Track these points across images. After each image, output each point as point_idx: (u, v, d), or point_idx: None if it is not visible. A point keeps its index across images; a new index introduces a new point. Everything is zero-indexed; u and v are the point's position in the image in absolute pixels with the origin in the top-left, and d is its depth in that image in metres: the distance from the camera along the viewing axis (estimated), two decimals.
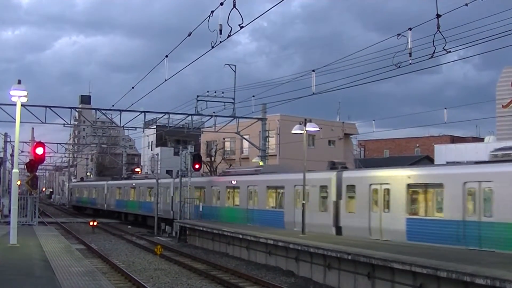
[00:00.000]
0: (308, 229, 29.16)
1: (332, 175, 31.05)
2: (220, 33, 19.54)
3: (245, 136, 50.63)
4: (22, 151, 65.01)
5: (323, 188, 31.67)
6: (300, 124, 29.84)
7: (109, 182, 74.53)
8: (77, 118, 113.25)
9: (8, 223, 29.85)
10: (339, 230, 30.04)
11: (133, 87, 40.50)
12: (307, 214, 29.69)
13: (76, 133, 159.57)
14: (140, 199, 59.13)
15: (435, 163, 47.46)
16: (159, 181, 52.40)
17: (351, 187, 29.67)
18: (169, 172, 68.15)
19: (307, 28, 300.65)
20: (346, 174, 30.70)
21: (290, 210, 33.97)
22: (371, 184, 28.06)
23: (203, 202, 44.71)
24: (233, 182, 40.91)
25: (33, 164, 37.35)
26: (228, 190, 41.87)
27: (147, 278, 23.89)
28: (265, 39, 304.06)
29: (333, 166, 33.27)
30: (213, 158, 66.58)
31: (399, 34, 22.62)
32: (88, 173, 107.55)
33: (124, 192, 65.69)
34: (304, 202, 29.79)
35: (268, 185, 37.10)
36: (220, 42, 20.14)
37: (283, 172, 37.78)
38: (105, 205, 72.65)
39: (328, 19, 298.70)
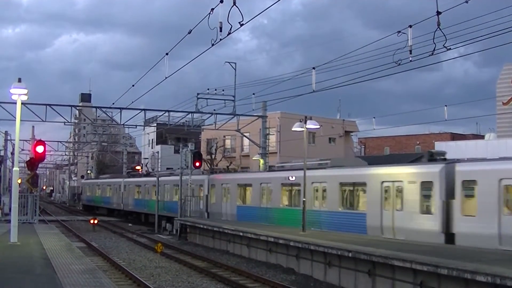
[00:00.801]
0: (405, 235, 25.61)
1: (438, 168, 25.29)
2: (220, 31, 19.55)
3: (245, 134, 50.64)
4: (23, 149, 64.98)
5: (426, 184, 25.74)
6: (301, 121, 29.86)
7: (126, 179, 68.28)
8: (78, 116, 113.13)
9: (9, 221, 29.85)
10: (450, 238, 24.11)
11: (133, 85, 40.49)
12: (402, 217, 26.04)
13: (77, 131, 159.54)
14: (164, 198, 53.00)
15: None
16: (188, 178, 46.05)
17: (469, 183, 23.77)
18: (169, 169, 68.08)
19: (307, 26, 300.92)
20: (461, 166, 24.54)
21: (375, 212, 27.75)
22: (501, 179, 22.32)
23: (243, 202, 40.39)
24: (290, 178, 34.77)
25: (34, 163, 37.38)
26: (284, 188, 36.01)
27: (148, 276, 23.90)
28: (266, 37, 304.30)
29: (431, 157, 27.93)
30: (213, 156, 66.59)
31: (399, 32, 22.62)
32: (88, 171, 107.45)
33: (145, 190, 59.60)
34: (303, 199, 29.75)
35: (342, 182, 30.93)
36: (220, 39, 20.17)
37: (358, 165, 32.44)
38: (122, 205, 66.73)
39: (329, 17, 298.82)
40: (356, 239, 24.89)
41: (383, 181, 27.62)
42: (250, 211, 37.77)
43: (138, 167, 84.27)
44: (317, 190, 32.69)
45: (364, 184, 29.41)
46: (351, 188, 30.67)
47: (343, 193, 31.28)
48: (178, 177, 47.04)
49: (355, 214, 29.83)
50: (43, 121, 42.08)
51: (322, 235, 27.20)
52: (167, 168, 67.73)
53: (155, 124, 73.81)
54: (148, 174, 63.18)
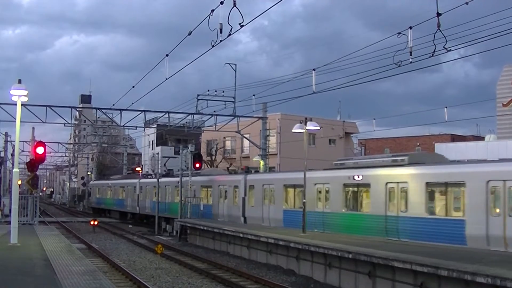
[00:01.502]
0: None
1: None
2: (221, 32, 19.58)
3: (245, 135, 50.65)
4: (23, 151, 65.10)
5: None
6: (301, 123, 29.87)
7: (143, 180, 61.86)
8: (78, 117, 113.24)
9: (9, 222, 29.84)
10: None
11: (133, 86, 40.59)
12: None
13: (77, 133, 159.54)
14: (194, 201, 46.97)
15: None
16: (223, 178, 44.14)
17: None
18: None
19: (308, 27, 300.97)
20: None
21: (478, 219, 22.68)
22: None
23: (291, 205, 35.14)
24: (356, 177, 29.67)
25: (34, 164, 37.34)
26: (347, 188, 30.62)
27: (148, 277, 23.89)
28: (266, 38, 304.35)
29: None
30: (213, 157, 66.61)
31: (399, 33, 22.66)
32: (88, 173, 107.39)
33: (165, 192, 53.06)
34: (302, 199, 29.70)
35: (429, 181, 25.48)
36: (221, 41, 20.20)
37: (445, 162, 27.99)
38: (138, 208, 60.20)
39: (329, 18, 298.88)
40: (356, 241, 24.88)
41: (489, 180, 22.50)
42: (301, 216, 30.76)
43: (138, 168, 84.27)
44: (391, 192, 27.08)
45: (461, 184, 24.03)
46: (442, 189, 25.31)
47: (430, 195, 25.77)
48: (202, 178, 45.39)
49: (449, 221, 24.32)
50: (43, 122, 42.19)
51: (322, 236, 27.20)
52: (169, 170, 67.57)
53: (155, 126, 73.95)
54: (167, 174, 57.01)
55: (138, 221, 60.06)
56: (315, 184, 32.04)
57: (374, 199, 28.07)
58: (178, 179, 46.71)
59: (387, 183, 27.31)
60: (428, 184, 25.49)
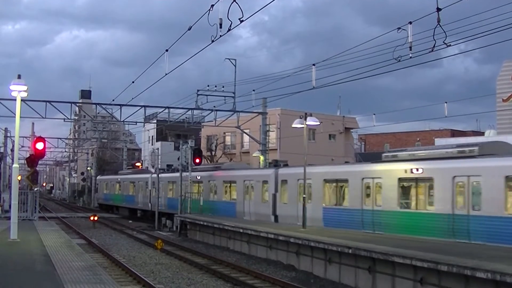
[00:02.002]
0: None
1: None
2: (220, 27, 19.55)
3: (245, 130, 50.62)
4: (23, 146, 65.11)
5: None
6: (301, 118, 29.83)
7: (155, 175, 55.55)
8: (78, 113, 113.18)
9: (9, 218, 29.85)
10: None
11: (133, 82, 40.60)
12: None
13: (77, 128, 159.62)
14: (222, 197, 43.25)
15: None
16: (249, 172, 40.96)
17: None
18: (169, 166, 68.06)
19: (308, 22, 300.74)
20: None
21: None
22: None
23: (333, 202, 31.62)
24: (415, 171, 26.21)
25: (34, 159, 37.36)
26: (403, 183, 27.09)
27: (148, 273, 23.90)
28: (266, 33, 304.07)
29: None
30: (213, 153, 66.60)
31: (399, 28, 22.61)
32: (88, 168, 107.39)
33: (184, 188, 47.07)
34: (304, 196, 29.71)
35: (509, 175, 22.09)
36: (220, 36, 20.17)
37: None
38: (150, 205, 55.18)
39: (330, 13, 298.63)
40: (356, 236, 24.89)
41: None
42: (345, 214, 28.77)
43: (138, 164, 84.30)
44: (460, 187, 24.04)
45: None
46: None
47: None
48: (224, 172, 42.92)
49: None
50: (43, 117, 42.17)
51: (322, 232, 27.21)
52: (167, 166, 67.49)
53: (155, 121, 73.93)
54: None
55: (150, 219, 54.34)
56: (363, 178, 28.67)
57: (438, 196, 24.95)
58: (199, 174, 44.77)
59: (454, 176, 24.13)
60: (508, 178, 22.15)
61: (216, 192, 43.79)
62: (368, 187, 28.58)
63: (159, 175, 51.33)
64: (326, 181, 32.18)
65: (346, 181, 29.92)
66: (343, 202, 30.69)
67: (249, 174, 39.85)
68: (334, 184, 31.75)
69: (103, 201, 78.72)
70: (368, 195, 28.49)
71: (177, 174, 47.10)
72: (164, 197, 51.95)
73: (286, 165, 39.95)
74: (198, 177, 45.71)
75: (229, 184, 42.59)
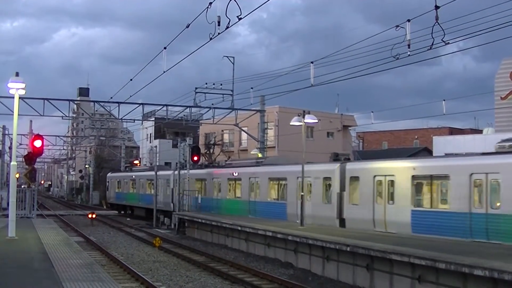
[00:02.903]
0: None
1: None
2: (219, 25, 19.52)
3: (243, 128, 50.64)
4: (21, 144, 64.97)
5: None
6: (299, 116, 29.84)
7: (182, 171, 48.56)
8: (76, 110, 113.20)
9: (7, 216, 29.83)
10: None
11: (131, 79, 40.44)
12: None
13: (75, 126, 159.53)
14: (267, 197, 37.25)
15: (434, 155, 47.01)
16: (305, 168, 32.03)
17: None
18: (167, 163, 68.04)
19: (307, 20, 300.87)
20: None
21: None
22: None
23: (425, 204, 25.78)
24: None
25: (32, 157, 37.27)
26: None
27: (146, 270, 23.90)
28: (265, 31, 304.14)
29: None
30: (211, 150, 66.60)
31: (397, 26, 22.61)
32: (86, 166, 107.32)
33: (217, 186, 43.47)
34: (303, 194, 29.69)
35: None
36: (219, 33, 20.13)
37: None
38: (172, 205, 49.08)
39: (328, 11, 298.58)
40: (354, 234, 24.90)
41: None
42: (445, 219, 24.04)
43: (136, 162, 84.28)
44: None
45: None
46: None
47: None
48: (269, 168, 37.55)
49: None
50: (41, 115, 42.15)
51: (320, 229, 27.22)
52: (165, 163, 67.46)
53: (153, 119, 73.92)
54: (209, 165, 50.11)
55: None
56: (471, 174, 23.07)
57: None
58: (230, 170, 41.09)
59: None
60: None
61: (259, 191, 37.90)
62: (478, 185, 22.97)
63: (184, 172, 45.81)
64: (415, 178, 26.26)
65: (446, 177, 24.61)
66: (441, 204, 25.24)
67: (305, 170, 31.44)
68: (427, 181, 26.06)
69: (115, 200, 71.39)
70: (480, 193, 22.98)
71: (209, 171, 44.00)
72: (192, 196, 45.91)
73: (347, 159, 33.51)
74: (235, 174, 40.66)
75: (277, 182, 36.59)
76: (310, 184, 32.38)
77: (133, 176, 64.18)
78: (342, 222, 29.96)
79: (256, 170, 38.55)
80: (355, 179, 29.64)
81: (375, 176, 27.89)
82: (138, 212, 60.29)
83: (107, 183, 76.86)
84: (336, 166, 31.14)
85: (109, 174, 77.17)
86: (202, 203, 44.00)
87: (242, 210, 38.52)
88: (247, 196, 38.59)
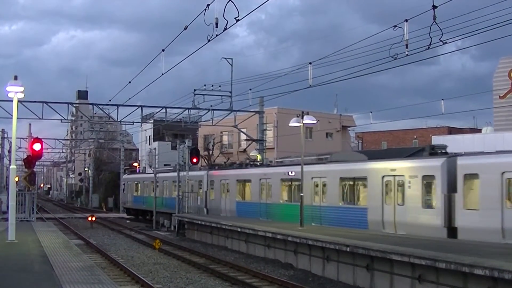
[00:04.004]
0: None
1: None
2: (216, 27, 19.56)
3: (242, 129, 50.65)
4: (20, 147, 65.02)
5: None
6: (298, 116, 29.85)
7: (215, 172, 45.16)
8: (74, 113, 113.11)
9: (6, 219, 29.82)
10: None
11: (129, 82, 40.56)
12: None
13: (74, 129, 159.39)
14: (338, 201, 30.64)
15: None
16: (392, 164, 26.11)
17: None
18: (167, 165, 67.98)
19: (305, 21, 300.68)
20: None
21: None
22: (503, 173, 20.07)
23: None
24: None
25: (31, 160, 37.26)
26: None
27: (146, 272, 23.89)
28: (263, 32, 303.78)
29: None
30: (211, 152, 66.60)
31: (395, 26, 22.63)
32: (86, 169, 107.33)
33: (266, 188, 37.11)
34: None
35: None
36: (216, 35, 20.18)
37: None
38: (205, 210, 44.47)
39: (327, 11, 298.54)
40: (354, 234, 24.90)
41: None
42: None
43: (135, 164, 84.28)
44: None
45: None
46: None
47: None
48: (338, 166, 31.46)
49: None
50: (40, 118, 42.10)
51: (320, 230, 27.21)
52: (164, 166, 67.34)
53: (152, 121, 73.90)
54: (249, 164, 43.14)
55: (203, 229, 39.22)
56: None
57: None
58: (283, 169, 35.48)
59: None
60: None
61: (326, 193, 31.66)
62: None
63: (218, 172, 42.68)
64: None
65: None
66: None
67: (394, 167, 26.81)
68: None
69: (133, 205, 63.75)
70: None
71: (254, 171, 38.56)
72: (230, 200, 40.85)
73: (445, 152, 27.48)
74: (291, 173, 34.47)
75: (351, 182, 30.24)
76: (401, 184, 26.42)
77: (157, 177, 55.53)
78: (452, 232, 24.03)
79: (322, 169, 31.97)
80: (472, 177, 23.63)
81: (504, 172, 22.00)
82: (160, 218, 51.28)
83: (122, 186, 70.11)
84: (440, 161, 24.97)
85: (124, 176, 71.18)
86: (241, 208, 38.10)
87: (305, 218, 30.26)
88: (309, 200, 31.44)
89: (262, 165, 42.24)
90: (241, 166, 43.14)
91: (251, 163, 43.34)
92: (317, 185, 32.04)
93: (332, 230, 27.16)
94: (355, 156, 34.06)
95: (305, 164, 30.45)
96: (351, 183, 30.24)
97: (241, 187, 40.33)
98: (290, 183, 35.07)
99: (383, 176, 27.02)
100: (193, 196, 45.55)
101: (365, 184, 28.89)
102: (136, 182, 64.31)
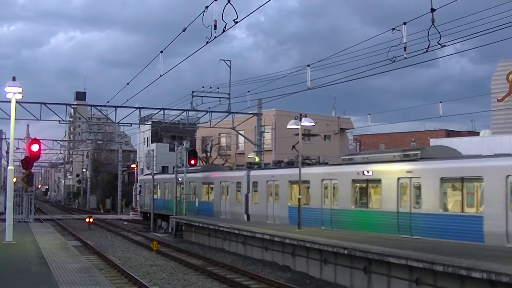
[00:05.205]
0: None
1: None
2: (215, 29, 19.57)
3: (240, 132, 50.63)
4: (18, 148, 65.06)
5: None
6: (296, 119, 29.87)
7: (259, 172, 39.33)
8: (73, 114, 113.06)
9: (4, 220, 29.78)
10: None
11: (128, 83, 40.54)
12: None
13: (72, 130, 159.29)
14: (431, 206, 24.77)
15: None
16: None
17: None
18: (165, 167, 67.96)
19: (304, 23, 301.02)
20: None
21: None
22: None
23: None
24: None
25: (29, 161, 37.18)
26: None
27: (144, 274, 23.88)
28: (262, 34, 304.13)
29: None
30: (208, 154, 66.60)
31: (393, 28, 22.65)
32: (83, 170, 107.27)
33: (330, 190, 31.28)
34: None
35: None
36: (215, 37, 20.20)
37: None
38: (246, 216, 38.93)
39: (326, 13, 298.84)
40: (351, 237, 24.91)
41: None
42: None
43: (133, 165, 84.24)
44: None
45: None
46: None
47: None
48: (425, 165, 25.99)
49: None
50: (38, 119, 42.03)
51: (317, 233, 27.21)
52: (162, 167, 67.20)
53: (150, 122, 73.91)
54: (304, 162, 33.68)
55: (201, 231, 37.96)
56: None
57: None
58: (356, 168, 29.66)
59: None
60: None
61: (422, 197, 25.32)
62: None
63: (264, 172, 38.40)
64: None
65: None
66: None
67: (481, 166, 23.00)
68: None
69: (151, 209, 53.58)
70: None
71: (314, 170, 33.14)
72: (280, 205, 35.28)
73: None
74: (367, 173, 28.75)
75: (458, 184, 24.27)
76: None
77: (180, 178, 47.75)
78: None
79: (413, 167, 26.03)
80: None
81: None
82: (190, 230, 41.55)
83: (138, 188, 63.13)
84: None
85: (141, 177, 64.31)
86: (295, 215, 30.54)
87: (385, 226, 26.62)
88: (394, 206, 26.37)
89: (319, 163, 35.81)
90: (292, 164, 36.26)
91: (306, 161, 35.94)
92: (405, 187, 26.13)
93: (329, 233, 27.12)
94: (448, 152, 28.06)
95: (386, 161, 27.31)
96: (457, 184, 24.40)
97: (296, 190, 31.91)
98: (365, 184, 29.10)
99: (508, 176, 21.49)
100: (230, 201, 40.91)
101: (478, 186, 23.30)
102: (157, 184, 55.84)
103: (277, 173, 36.25)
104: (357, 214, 28.99)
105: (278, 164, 37.32)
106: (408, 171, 25.96)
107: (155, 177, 56.01)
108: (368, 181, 28.70)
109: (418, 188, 25.45)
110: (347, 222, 29.40)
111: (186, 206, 45.19)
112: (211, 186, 44.50)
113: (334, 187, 30.75)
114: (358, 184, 29.58)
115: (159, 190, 55.56)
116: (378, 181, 27.66)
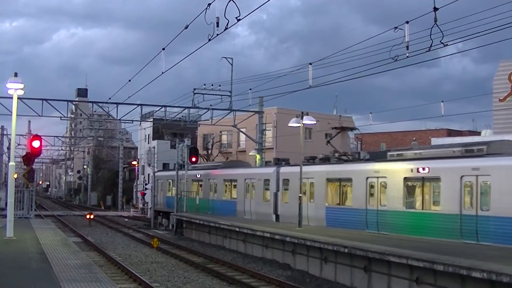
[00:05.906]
0: None
1: None
2: (217, 26, 19.55)
3: (242, 129, 50.62)
4: (19, 144, 65.08)
5: None
6: (297, 117, 29.86)
7: (288, 168, 35.99)
8: (74, 111, 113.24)
9: (5, 216, 29.81)
10: None
11: (129, 80, 40.55)
12: None
13: (73, 126, 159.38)
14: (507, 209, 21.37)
15: None
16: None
17: None
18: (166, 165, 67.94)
19: (306, 21, 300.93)
20: None
21: None
22: None
23: None
24: None
25: (30, 157, 37.22)
26: None
27: (144, 271, 23.89)
28: (264, 32, 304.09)
29: None
30: (210, 151, 66.58)
31: (396, 27, 22.63)
32: (84, 166, 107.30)
33: (377, 189, 27.88)
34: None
35: None
36: (217, 35, 20.16)
37: None
38: (274, 216, 35.67)
39: (328, 12, 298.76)
40: (352, 235, 24.90)
41: None
42: None
43: (134, 162, 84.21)
44: None
45: None
46: None
47: None
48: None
49: None
50: (39, 116, 42.10)
51: (318, 231, 27.21)
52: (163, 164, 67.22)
53: (152, 119, 73.89)
54: (341, 158, 32.76)
55: (201, 228, 37.79)
56: None
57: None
58: (407, 165, 26.49)
59: None
60: None
61: (487, 198, 22.45)
62: None
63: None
64: None
65: None
66: None
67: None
68: None
69: (167, 208, 50.32)
70: None
71: (357, 166, 29.86)
72: (316, 206, 32.00)
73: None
74: (423, 170, 25.55)
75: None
76: None
77: (199, 175, 46.09)
78: None
79: (480, 164, 22.80)
80: None
81: None
82: (201, 229, 38.70)
83: (154, 185, 56.92)
84: None
85: (158, 173, 57.20)
86: (334, 216, 30.04)
87: (444, 230, 23.81)
88: (457, 207, 23.34)
89: (359, 159, 31.33)
90: (328, 160, 33.44)
91: (343, 157, 32.94)
92: (469, 186, 23.20)
93: (330, 231, 27.11)
94: None
95: (446, 157, 24.79)
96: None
97: (335, 189, 31.06)
98: (420, 183, 25.91)
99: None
100: (255, 199, 37.98)
101: None
102: (171, 181, 50.69)
103: (312, 170, 32.28)
104: (409, 216, 26.01)
105: (311, 160, 34.36)
106: (474, 168, 22.84)
107: (166, 173, 53.76)
108: (423, 179, 25.58)
109: (487, 187, 22.35)
110: (396, 225, 26.47)
111: (210, 205, 43.22)
112: (234, 183, 41.25)
113: (382, 186, 27.64)
114: (410, 183, 26.49)
115: (173, 188, 50.01)
116: (437, 179, 24.83)
